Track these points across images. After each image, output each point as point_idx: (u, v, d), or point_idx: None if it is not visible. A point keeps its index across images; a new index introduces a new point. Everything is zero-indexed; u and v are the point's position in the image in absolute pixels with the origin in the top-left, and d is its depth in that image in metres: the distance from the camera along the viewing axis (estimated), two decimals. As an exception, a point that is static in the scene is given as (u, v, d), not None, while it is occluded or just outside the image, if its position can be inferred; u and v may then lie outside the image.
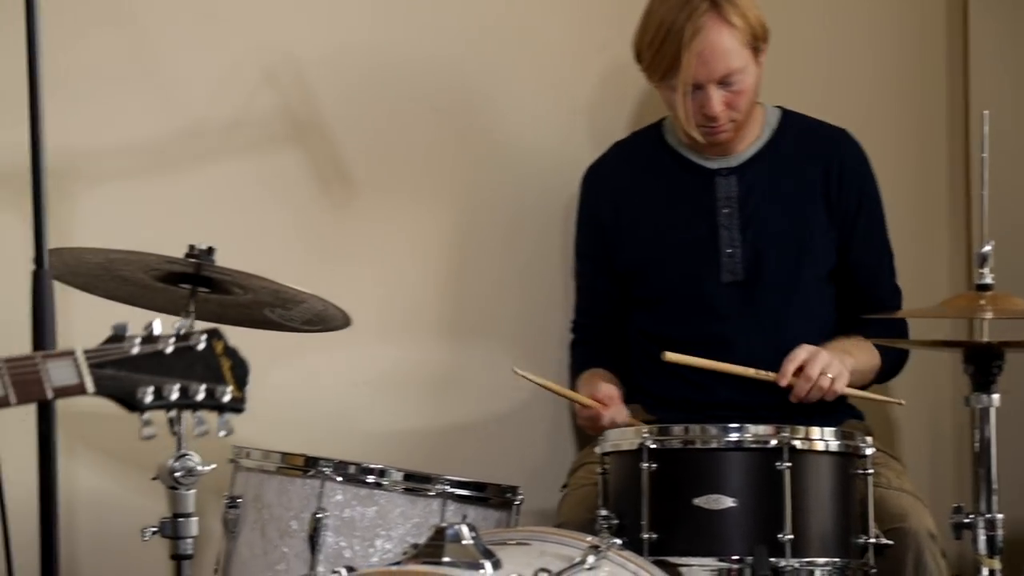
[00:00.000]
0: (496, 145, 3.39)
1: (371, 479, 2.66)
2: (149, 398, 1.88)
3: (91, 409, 2.92)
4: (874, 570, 2.59)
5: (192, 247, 2.54)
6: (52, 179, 2.32)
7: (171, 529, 2.55)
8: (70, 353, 1.84)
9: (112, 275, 2.59)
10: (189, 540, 2.55)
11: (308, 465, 2.68)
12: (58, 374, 1.83)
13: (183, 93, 3.08)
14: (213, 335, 1.95)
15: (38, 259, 2.24)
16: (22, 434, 2.54)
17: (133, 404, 1.88)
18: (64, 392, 1.84)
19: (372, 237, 3.27)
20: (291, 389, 3.09)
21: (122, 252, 2.50)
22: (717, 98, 2.97)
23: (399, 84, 3.27)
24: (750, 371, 2.90)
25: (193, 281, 2.57)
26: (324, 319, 2.65)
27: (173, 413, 1.95)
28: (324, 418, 3.18)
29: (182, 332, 1.92)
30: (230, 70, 3.12)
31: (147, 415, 1.89)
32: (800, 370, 2.85)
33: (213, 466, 2.58)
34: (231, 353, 1.96)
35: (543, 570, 2.18)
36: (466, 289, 3.36)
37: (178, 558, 2.55)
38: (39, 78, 2.21)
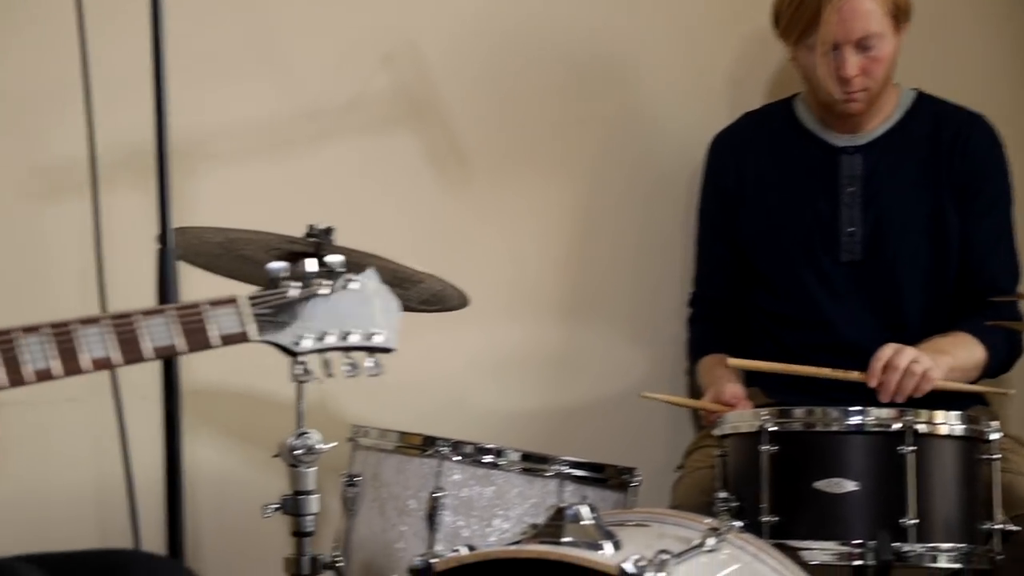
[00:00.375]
0: (618, 123, 3.38)
1: (488, 459, 2.66)
2: (308, 343, 1.90)
3: (212, 388, 2.98)
4: (1000, 556, 2.54)
5: (311, 227, 2.55)
6: (174, 160, 2.35)
7: (292, 506, 2.56)
8: (233, 300, 1.86)
9: (233, 255, 2.61)
10: (310, 517, 2.56)
11: (426, 444, 2.69)
12: (223, 322, 1.85)
13: (302, 74, 3.10)
14: (365, 276, 1.97)
15: (163, 238, 2.27)
16: (147, 413, 2.59)
17: (292, 350, 1.91)
18: (228, 340, 1.86)
19: (489, 217, 3.26)
20: (408, 369, 3.08)
21: (243, 232, 2.51)
22: (853, 61, 2.94)
23: (519, 62, 3.27)
24: (825, 371, 2.82)
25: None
26: (442, 299, 2.65)
27: (328, 355, 1.96)
28: (441, 398, 3.19)
29: (336, 273, 1.94)
30: (347, 51, 3.13)
31: (303, 359, 1.91)
32: (886, 367, 2.78)
33: (333, 444, 2.59)
34: (381, 294, 1.98)
35: (663, 551, 2.17)
36: (584, 268, 3.35)
37: (299, 535, 2.56)
38: (163, 62, 2.23)
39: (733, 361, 2.86)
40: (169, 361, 2.30)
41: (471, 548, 2.25)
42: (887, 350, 2.78)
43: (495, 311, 3.20)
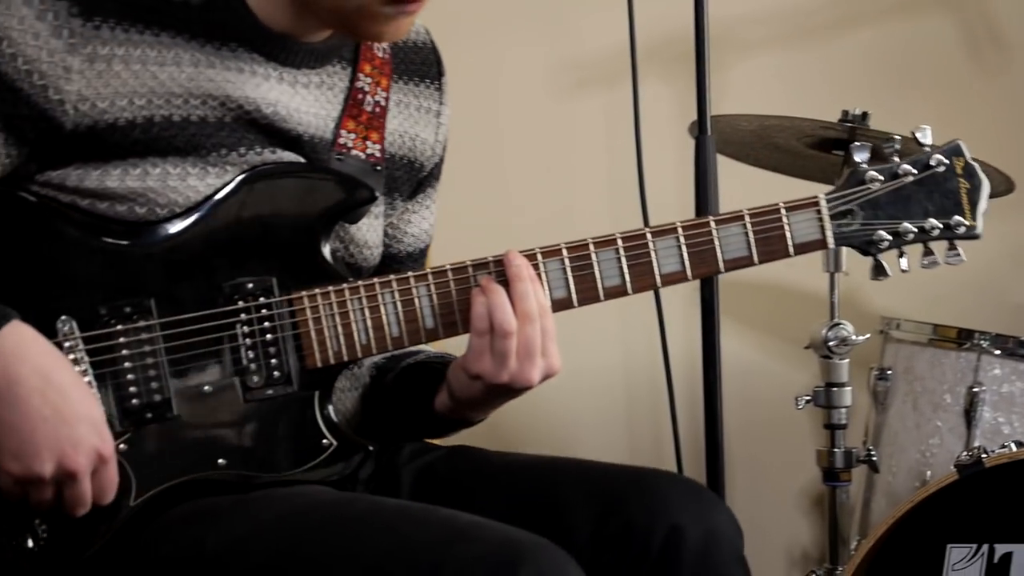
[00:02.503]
0: None
1: (1031, 354, 2.54)
2: (885, 244, 1.71)
3: (741, 279, 2.96)
4: None
5: (846, 112, 2.48)
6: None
7: (824, 398, 2.53)
8: (814, 203, 1.68)
9: (764, 143, 2.58)
10: (842, 410, 2.53)
11: (962, 338, 2.58)
12: (800, 229, 1.68)
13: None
14: (954, 153, 1.73)
15: (700, 126, 2.25)
16: (676, 305, 2.61)
17: (868, 251, 1.72)
18: (804, 249, 1.68)
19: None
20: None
21: (777, 118, 2.47)
22: None
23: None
24: None
25: (846, 147, 2.49)
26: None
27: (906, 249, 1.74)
28: (974, 290, 3.06)
29: (927, 151, 1.72)
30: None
31: (881, 256, 1.72)
32: None
33: (867, 336, 2.54)
34: (969, 173, 1.74)
35: None
36: None
37: (831, 427, 2.53)
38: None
39: None
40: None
41: (1020, 444, 2.15)
42: None
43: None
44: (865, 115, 2.46)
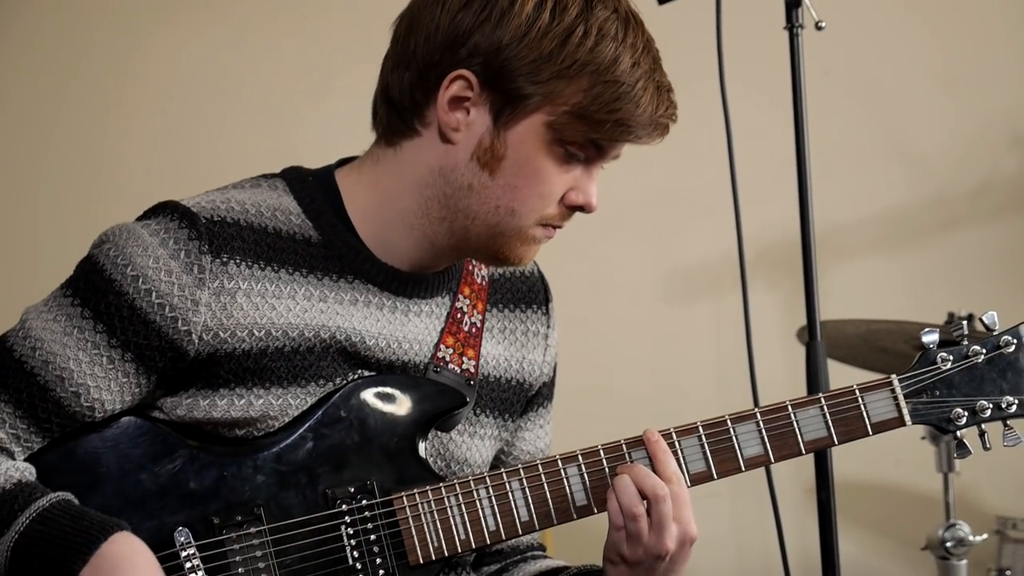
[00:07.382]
0: None
1: None
2: (963, 420, 1.75)
3: (858, 481, 2.97)
4: None
5: (951, 315, 2.52)
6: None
7: (944, 600, 2.53)
8: (887, 384, 1.75)
9: (871, 346, 2.61)
10: (969, 612, 2.52)
11: (1081, 536, 2.58)
12: (876, 408, 1.74)
13: (928, 163, 3.08)
14: (1022, 334, 1.77)
15: (810, 332, 2.28)
16: (797, 507, 2.61)
17: (946, 428, 1.77)
18: (881, 427, 1.74)
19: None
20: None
21: (883, 322, 2.51)
22: None
23: None
24: None
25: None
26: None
27: (985, 427, 1.76)
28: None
29: (991, 334, 1.76)
30: (975, 137, 3.08)
31: (960, 434, 1.76)
32: None
33: (984, 536, 2.53)
34: None
35: None
36: None
37: (957, 629, 2.52)
38: (806, 157, 2.26)
39: None
40: (822, 452, 2.29)
41: None
42: None
43: None
44: (971, 316, 2.49)
